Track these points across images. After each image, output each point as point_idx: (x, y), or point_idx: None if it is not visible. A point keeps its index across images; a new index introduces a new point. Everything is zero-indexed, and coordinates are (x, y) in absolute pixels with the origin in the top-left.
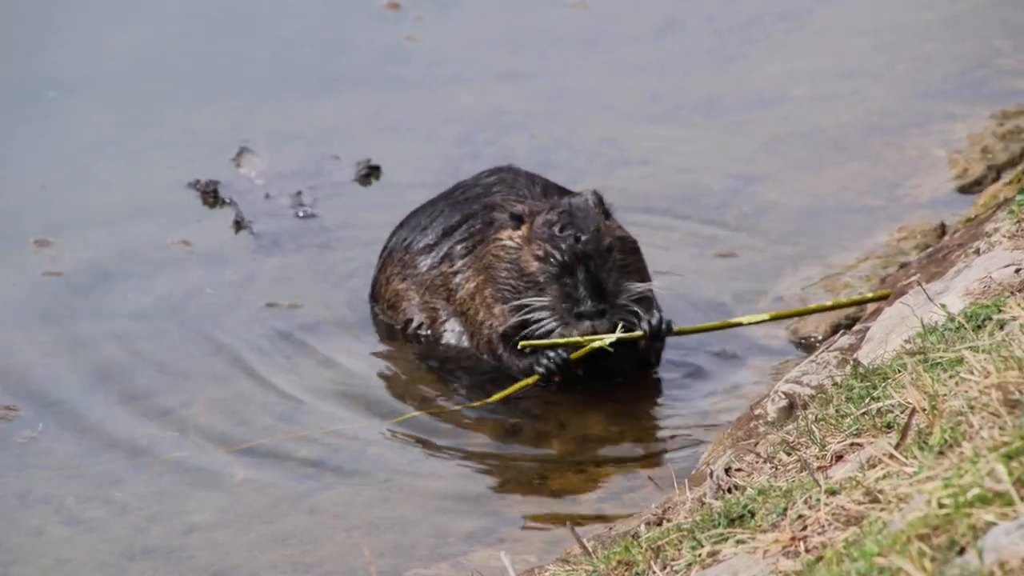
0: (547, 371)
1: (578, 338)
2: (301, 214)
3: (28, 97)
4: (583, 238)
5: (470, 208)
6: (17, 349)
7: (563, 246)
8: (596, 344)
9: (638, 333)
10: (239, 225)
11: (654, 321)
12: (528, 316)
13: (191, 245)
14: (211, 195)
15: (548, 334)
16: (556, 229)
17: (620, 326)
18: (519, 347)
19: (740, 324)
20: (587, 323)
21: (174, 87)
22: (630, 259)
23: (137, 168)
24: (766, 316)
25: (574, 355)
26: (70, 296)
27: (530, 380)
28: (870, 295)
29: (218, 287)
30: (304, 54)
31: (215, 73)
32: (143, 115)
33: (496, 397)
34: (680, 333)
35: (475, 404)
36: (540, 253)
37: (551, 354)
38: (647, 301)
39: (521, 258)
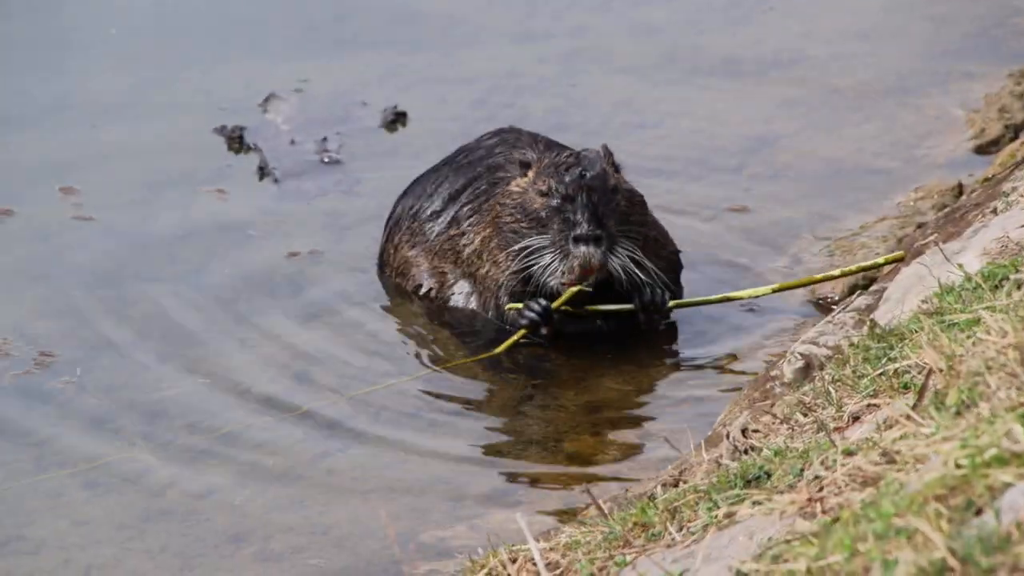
0: (530, 323)
1: (562, 299)
2: (326, 160)
3: (47, 55)
4: (588, 174)
5: (474, 171)
6: (46, 297)
7: (567, 179)
8: (574, 289)
9: (629, 306)
10: (263, 171)
11: (646, 297)
12: (529, 259)
13: (224, 192)
14: (236, 140)
15: (549, 272)
16: (563, 168)
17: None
18: (506, 310)
19: (740, 298)
20: (582, 248)
21: (189, 47)
22: (634, 212)
23: (159, 120)
24: (768, 289)
25: (555, 303)
26: (94, 243)
27: (517, 336)
28: (881, 260)
29: (239, 234)
30: (317, 15)
31: (228, 34)
32: (159, 74)
33: (486, 355)
34: (678, 307)
35: (470, 359)
36: (544, 188)
37: (533, 305)
38: (643, 266)
39: (525, 199)
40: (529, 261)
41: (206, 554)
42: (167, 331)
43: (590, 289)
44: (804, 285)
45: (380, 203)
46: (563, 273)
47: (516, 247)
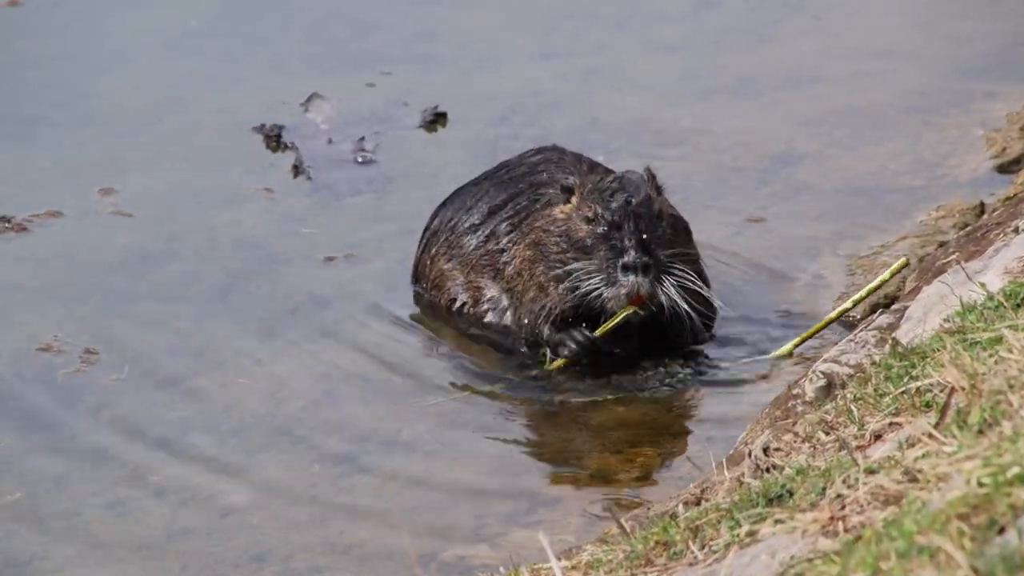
0: (572, 353)
1: (611, 322)
2: (361, 159)
3: (59, 77)
4: (634, 200)
5: (516, 187)
6: (81, 295)
7: (613, 206)
8: (627, 312)
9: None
10: (297, 169)
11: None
12: (575, 283)
13: (272, 191)
14: (274, 139)
15: (595, 298)
16: (607, 194)
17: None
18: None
19: (767, 359)
20: (631, 277)
21: (205, 68)
22: (679, 238)
23: (187, 127)
24: (790, 347)
25: (599, 331)
26: (134, 243)
27: (557, 363)
28: (887, 274)
29: (271, 234)
30: (335, 35)
31: (245, 54)
32: (178, 92)
33: (540, 370)
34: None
35: (498, 388)
36: (590, 215)
37: (574, 333)
38: (694, 290)
39: (571, 227)
40: (576, 284)
41: (227, 574)
42: (196, 343)
43: (642, 313)
44: (821, 329)
45: (412, 201)
46: (610, 300)
47: (562, 270)
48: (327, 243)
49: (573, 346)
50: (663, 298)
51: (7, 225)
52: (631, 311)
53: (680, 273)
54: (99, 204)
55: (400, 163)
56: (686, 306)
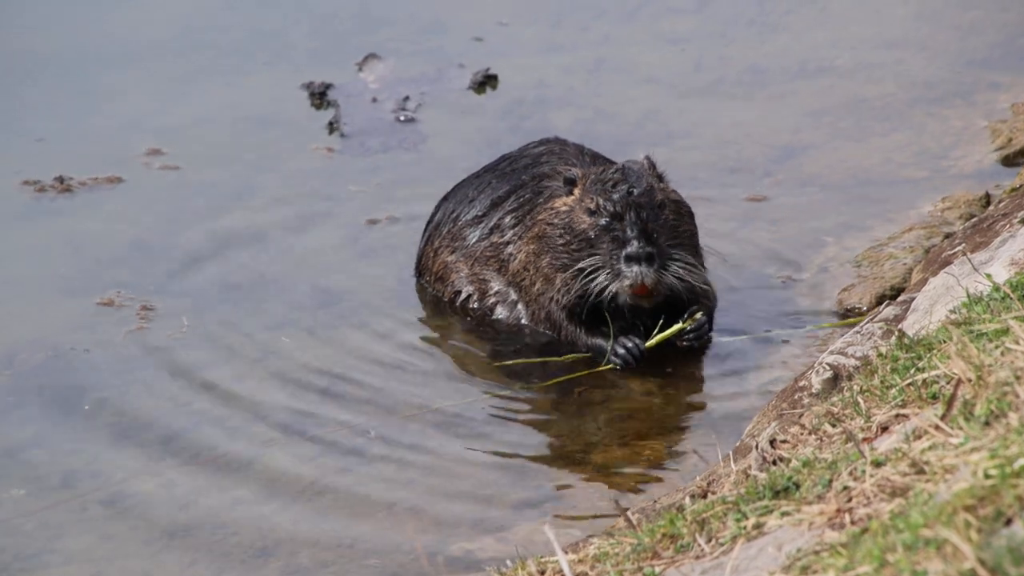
0: (623, 361)
1: (661, 337)
2: (401, 118)
3: (73, 69)
4: (635, 191)
5: (518, 179)
6: (137, 251)
7: (615, 197)
8: (672, 331)
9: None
10: (332, 126)
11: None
12: (583, 283)
13: (333, 150)
14: (318, 96)
15: (600, 292)
16: (609, 185)
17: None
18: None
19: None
20: (636, 268)
21: (214, 60)
22: (683, 223)
23: (234, 97)
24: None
25: (648, 344)
26: (181, 203)
27: (603, 368)
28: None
29: (320, 199)
30: (344, 25)
31: (253, 45)
32: (185, 85)
33: (566, 377)
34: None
35: (540, 385)
36: (592, 206)
37: (628, 344)
38: (697, 274)
39: (573, 218)
40: (583, 283)
41: (233, 568)
42: (191, 345)
43: (692, 333)
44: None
45: (437, 157)
46: (616, 294)
47: (569, 273)
48: (373, 207)
49: (625, 354)
50: (671, 283)
51: (62, 185)
52: (682, 327)
53: (682, 255)
54: (154, 167)
55: (441, 121)
56: (693, 281)
